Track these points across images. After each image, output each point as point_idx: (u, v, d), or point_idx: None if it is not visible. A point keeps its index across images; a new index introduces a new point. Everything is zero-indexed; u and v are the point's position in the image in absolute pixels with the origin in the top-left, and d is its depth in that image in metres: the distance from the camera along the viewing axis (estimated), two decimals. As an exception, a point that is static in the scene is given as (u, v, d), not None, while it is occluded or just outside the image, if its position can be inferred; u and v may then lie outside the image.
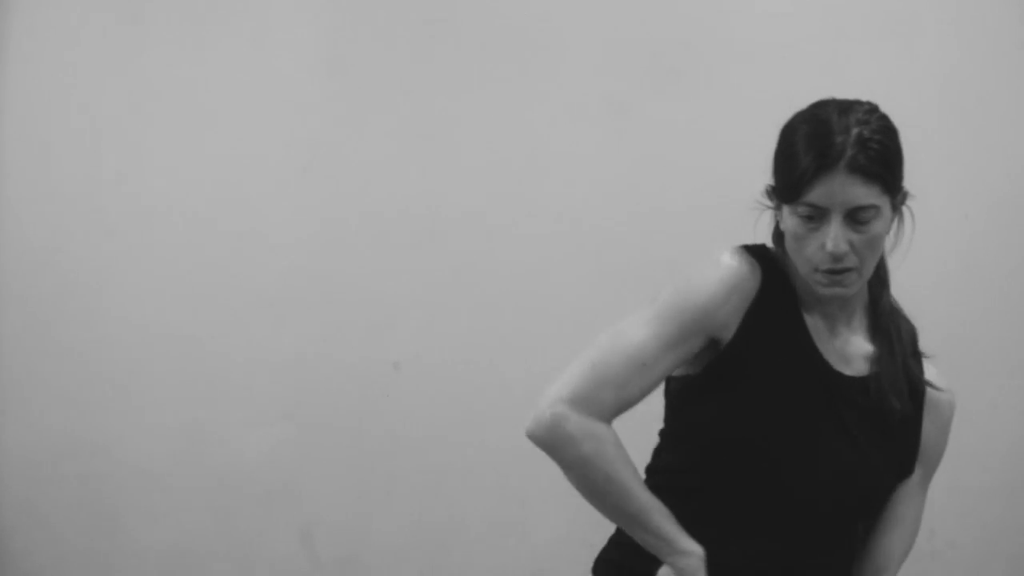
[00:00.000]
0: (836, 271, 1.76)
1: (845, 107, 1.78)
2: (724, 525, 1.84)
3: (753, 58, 3.22)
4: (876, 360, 1.90)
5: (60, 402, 3.63)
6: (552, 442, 1.90)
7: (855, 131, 1.74)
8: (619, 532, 1.97)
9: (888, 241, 1.84)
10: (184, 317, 3.56)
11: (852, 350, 1.91)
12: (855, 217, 1.74)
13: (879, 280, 1.92)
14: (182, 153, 3.57)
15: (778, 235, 1.90)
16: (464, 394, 3.41)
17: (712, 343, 1.84)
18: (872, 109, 1.80)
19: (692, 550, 1.78)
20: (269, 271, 3.52)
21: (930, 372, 1.96)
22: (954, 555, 3.31)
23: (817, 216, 1.74)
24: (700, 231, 3.11)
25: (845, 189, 1.72)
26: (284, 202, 3.52)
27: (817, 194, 1.73)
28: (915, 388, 1.93)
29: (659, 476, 1.93)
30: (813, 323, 1.88)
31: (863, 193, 1.73)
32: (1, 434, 3.65)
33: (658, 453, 1.97)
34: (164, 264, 3.57)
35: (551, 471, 3.24)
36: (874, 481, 1.88)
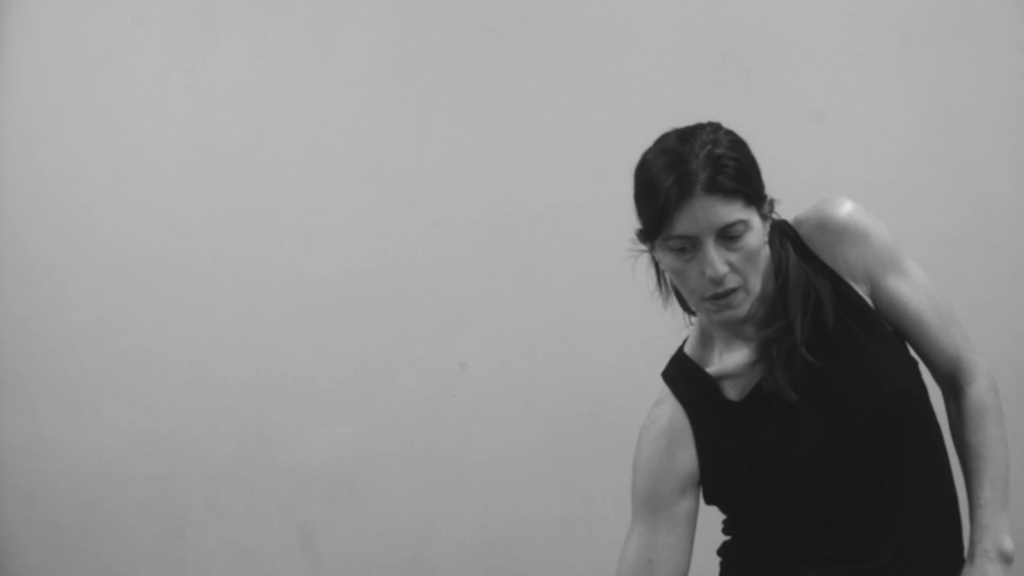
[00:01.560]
0: (721, 295, 1.77)
1: (687, 134, 1.81)
2: (814, 551, 1.85)
3: (821, 60, 3.21)
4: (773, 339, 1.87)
5: (130, 402, 3.69)
6: None
7: (703, 152, 1.75)
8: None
9: (764, 254, 1.82)
10: (252, 318, 3.60)
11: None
12: (726, 235, 1.74)
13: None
14: (249, 154, 3.61)
15: (660, 280, 1.98)
16: (530, 394, 3.40)
17: (699, 484, 1.92)
18: (715, 128, 1.83)
19: None
20: (337, 272, 3.53)
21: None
22: None
23: (689, 246, 1.76)
24: None
25: (707, 212, 1.73)
26: (351, 203, 3.53)
27: (682, 224, 1.74)
28: (836, 295, 1.88)
29: (733, 548, 1.99)
30: (735, 368, 1.90)
31: (727, 211, 1.73)
32: (73, 434, 3.72)
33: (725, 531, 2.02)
34: (233, 265, 3.61)
35: (616, 469, 3.29)
36: (875, 397, 1.82)
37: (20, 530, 3.80)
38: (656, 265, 1.94)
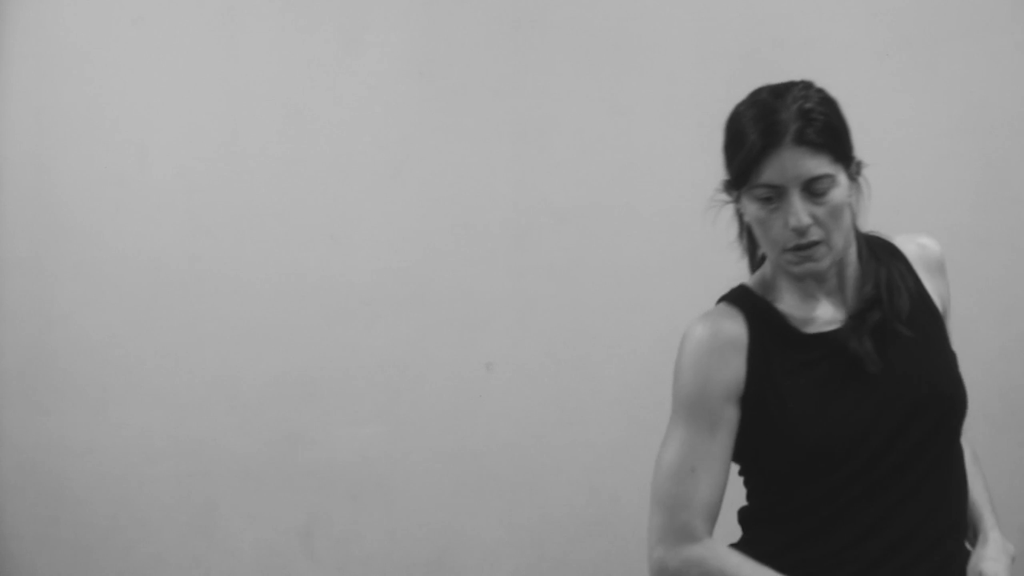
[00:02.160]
0: (803, 246, 1.81)
1: (781, 89, 1.86)
2: (842, 529, 1.85)
3: (848, 59, 3.20)
4: (869, 300, 1.90)
5: (157, 402, 3.71)
6: None
7: (795, 106, 1.80)
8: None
9: (849, 213, 1.87)
10: (278, 318, 3.61)
11: (844, 309, 1.92)
12: (811, 189, 1.79)
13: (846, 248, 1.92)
14: (276, 155, 3.62)
15: (742, 232, 2.00)
16: (556, 394, 3.39)
17: (741, 401, 1.90)
18: (808, 85, 1.88)
19: None
20: (363, 272, 3.54)
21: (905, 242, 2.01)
22: None
23: (775, 196, 1.80)
24: None
25: (796, 163, 1.78)
26: (377, 203, 3.53)
27: (769, 173, 1.79)
28: (918, 297, 1.94)
29: (762, 513, 1.97)
30: (803, 315, 1.91)
31: (814, 164, 1.78)
32: (101, 434, 3.75)
33: (749, 497, 2.01)
34: (260, 265, 3.62)
35: (643, 469, 3.29)
36: (932, 388, 1.86)
37: (48, 530, 3.83)
38: (740, 218, 1.98)
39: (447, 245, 3.48)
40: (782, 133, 1.78)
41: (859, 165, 1.89)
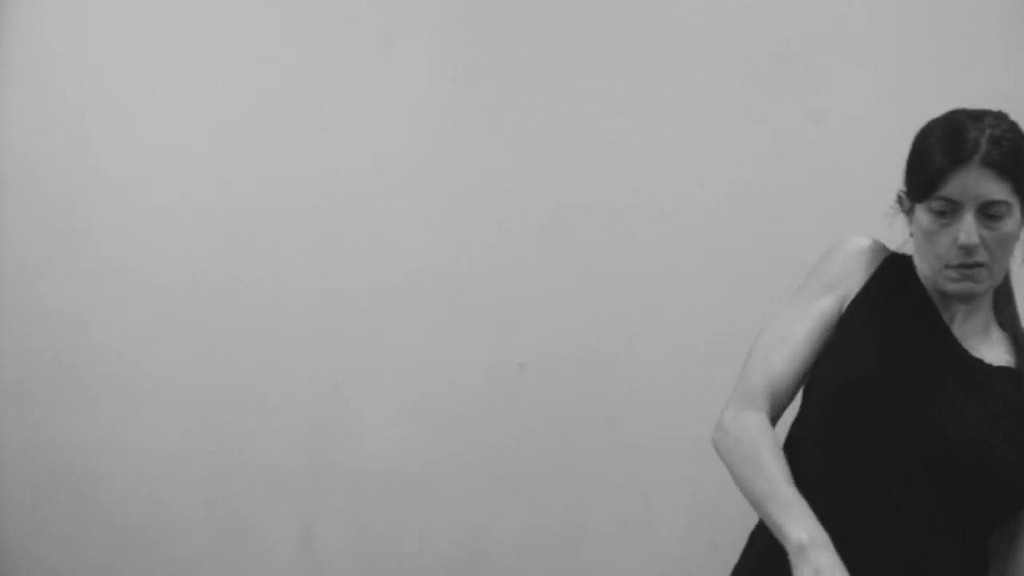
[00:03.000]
0: (967, 265, 1.84)
1: (977, 113, 1.87)
2: (838, 485, 1.87)
3: (875, 58, 3.19)
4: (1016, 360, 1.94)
5: (191, 402, 3.73)
6: (714, 441, 2.02)
7: (988, 131, 1.82)
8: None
9: (1018, 249, 1.89)
10: (310, 317, 3.62)
11: (982, 345, 1.95)
12: (987, 212, 1.82)
13: (1005, 293, 1.98)
14: (310, 156, 3.63)
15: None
16: (590, 394, 3.38)
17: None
18: (1002, 115, 1.88)
19: (800, 539, 1.74)
20: (396, 272, 3.54)
21: None
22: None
23: (950, 211, 1.82)
24: (825, 231, 3.07)
25: (979, 183, 1.80)
26: (410, 204, 3.54)
27: (951, 188, 1.81)
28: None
29: (792, 440, 2.01)
30: (942, 310, 1.94)
31: (996, 188, 1.80)
32: (135, 434, 3.78)
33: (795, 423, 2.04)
34: (292, 265, 3.64)
35: (676, 469, 3.33)
36: (1008, 462, 1.84)
37: (82, 529, 3.86)
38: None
39: (480, 245, 3.48)
40: (972, 151, 1.81)
41: None
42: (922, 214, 1.88)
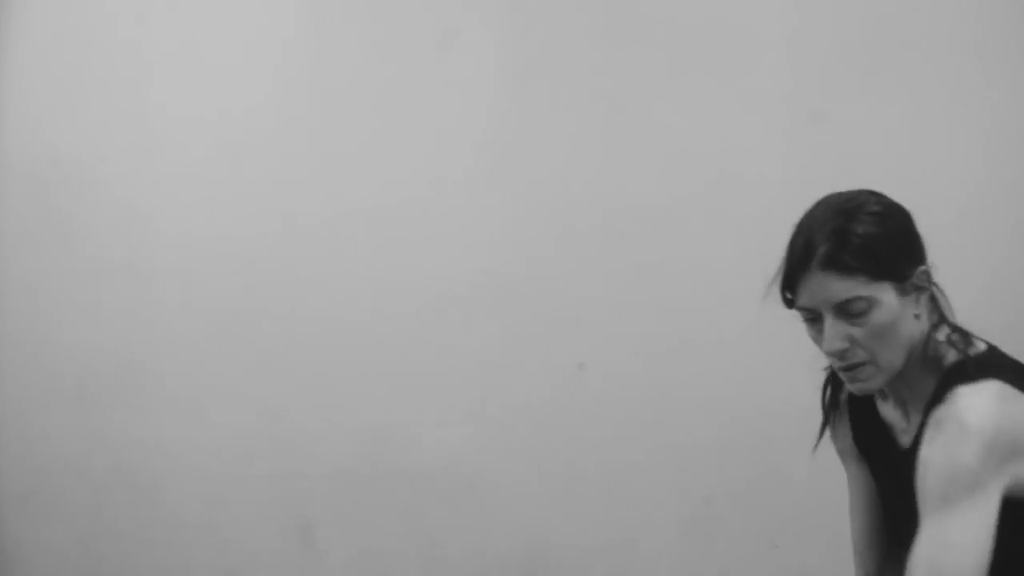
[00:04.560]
0: (847, 368, 1.77)
1: (835, 200, 1.79)
2: None
3: (944, 57, 3.16)
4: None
5: (252, 402, 3.77)
6: None
7: (831, 224, 1.74)
8: None
9: (906, 328, 1.76)
10: (373, 318, 3.65)
11: (903, 431, 1.89)
12: (845, 311, 1.73)
13: (930, 360, 1.81)
14: (369, 155, 3.66)
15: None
16: (648, 394, 3.38)
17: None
18: (869, 195, 1.79)
19: None
20: (456, 272, 3.56)
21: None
22: None
23: (815, 317, 1.77)
24: None
25: (823, 287, 1.73)
26: (471, 204, 3.55)
27: (802, 297, 1.76)
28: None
29: None
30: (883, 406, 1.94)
31: (844, 287, 1.71)
32: (197, 434, 3.83)
33: None
34: (354, 266, 3.66)
35: (735, 469, 3.34)
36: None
37: (145, 529, 3.91)
38: None
39: (540, 246, 3.49)
40: (809, 257, 1.73)
41: (925, 274, 1.78)
42: (801, 316, 1.82)
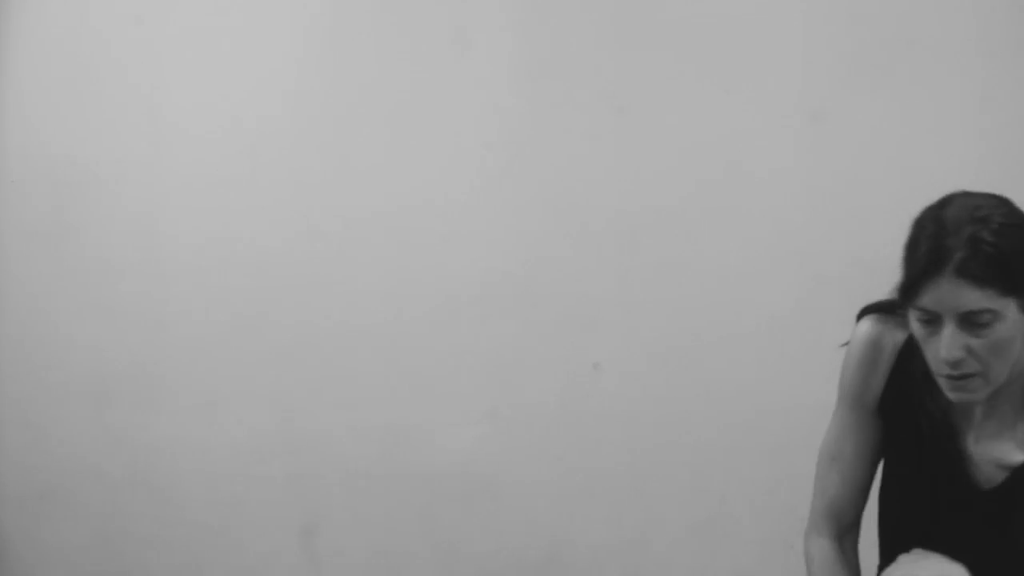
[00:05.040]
0: (955, 376, 1.76)
1: (967, 205, 1.75)
2: None
3: (958, 57, 3.14)
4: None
5: (267, 402, 3.79)
6: None
7: (967, 231, 1.70)
8: None
9: (1019, 346, 1.77)
10: (387, 319, 3.66)
11: (1005, 442, 1.87)
12: (970, 321, 1.71)
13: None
14: (385, 156, 3.66)
15: None
16: (663, 394, 3.37)
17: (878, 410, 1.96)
18: (999, 204, 1.76)
19: None
20: (470, 273, 3.56)
21: None
22: None
23: (933, 320, 1.74)
24: (903, 232, 3.10)
25: (954, 294, 1.70)
26: (485, 204, 3.55)
27: (927, 299, 1.72)
28: None
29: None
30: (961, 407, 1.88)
31: (975, 298, 1.69)
32: (211, 434, 3.85)
33: None
34: (368, 266, 3.67)
35: (751, 470, 3.34)
36: None
37: (159, 530, 3.93)
38: None
39: (555, 245, 3.49)
40: (944, 262, 1.69)
41: None
42: (912, 319, 1.80)
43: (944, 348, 1.73)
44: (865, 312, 2.00)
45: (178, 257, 3.90)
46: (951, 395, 1.79)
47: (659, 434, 3.41)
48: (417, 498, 3.66)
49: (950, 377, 1.76)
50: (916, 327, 1.78)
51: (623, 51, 3.44)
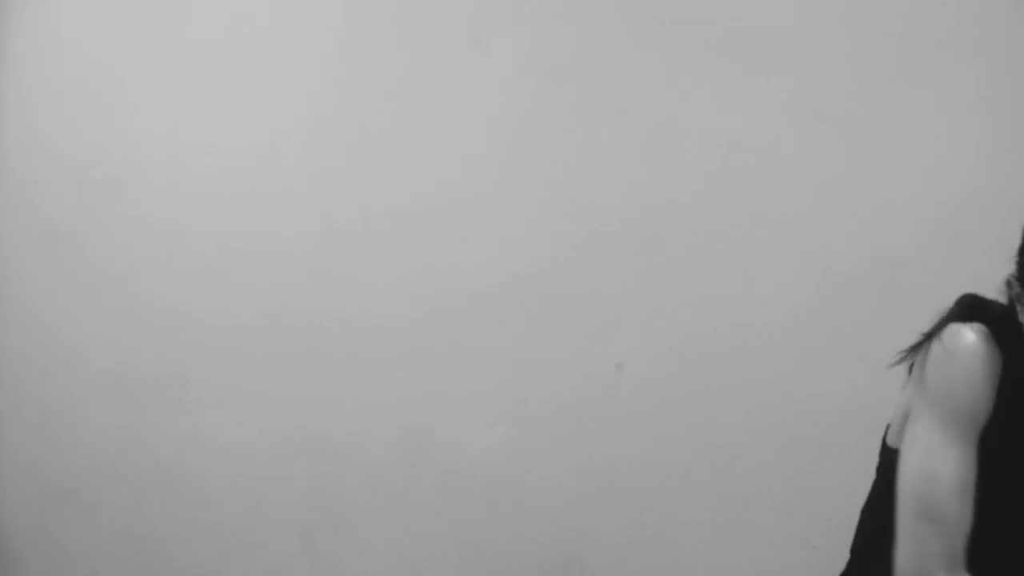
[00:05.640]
0: None
1: None
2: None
3: (976, 56, 3.13)
4: None
5: (291, 403, 3.81)
6: None
7: None
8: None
9: None
10: (409, 319, 3.67)
11: None
12: None
13: None
14: (405, 156, 3.67)
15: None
16: (686, 394, 3.38)
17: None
18: None
19: None
20: (493, 273, 3.57)
21: None
22: None
23: None
24: (924, 231, 3.11)
25: None
26: (506, 204, 3.56)
27: None
28: None
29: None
30: None
31: None
32: (234, 434, 3.87)
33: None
34: (390, 267, 3.68)
35: (773, 469, 3.35)
36: None
37: (183, 528, 3.96)
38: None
39: (577, 245, 3.50)
40: None
41: None
42: None
43: None
44: (955, 321, 1.92)
45: (199, 258, 3.92)
46: None
47: (681, 433, 3.41)
48: (438, 498, 3.67)
49: None
50: None
51: (643, 51, 3.45)
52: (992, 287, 1.95)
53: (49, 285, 4.13)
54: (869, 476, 2.10)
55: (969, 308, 1.91)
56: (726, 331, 3.37)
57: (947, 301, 1.98)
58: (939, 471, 1.81)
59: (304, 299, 3.80)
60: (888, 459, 1.98)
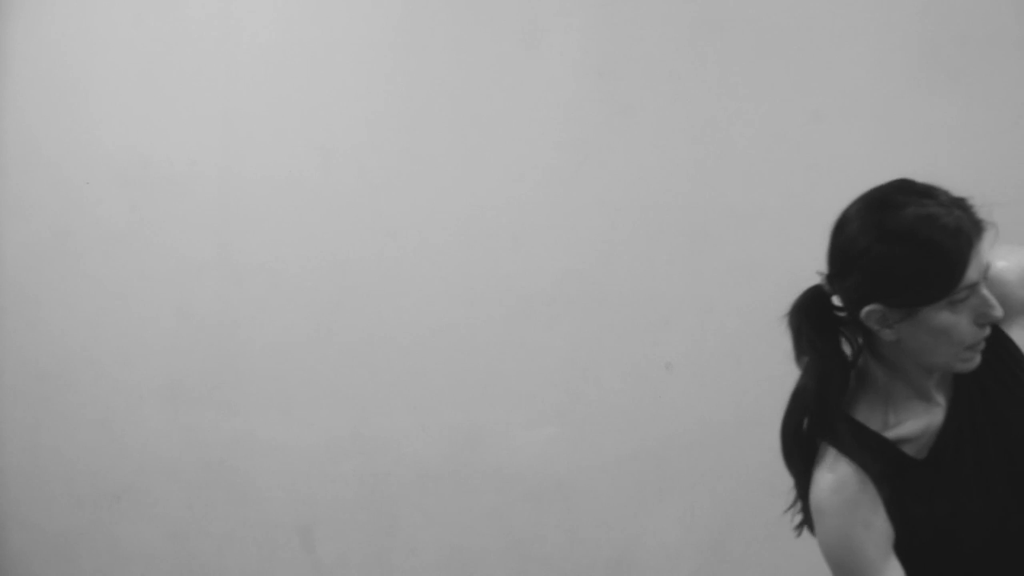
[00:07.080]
0: (980, 341, 1.78)
1: (926, 191, 1.79)
2: None
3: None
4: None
5: (341, 403, 3.84)
6: None
7: (951, 199, 1.75)
8: None
9: None
10: (460, 319, 3.69)
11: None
12: (985, 276, 1.76)
13: None
14: (456, 156, 3.69)
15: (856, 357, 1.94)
16: (736, 394, 3.40)
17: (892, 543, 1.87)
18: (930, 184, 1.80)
19: None
20: (543, 273, 3.58)
21: None
22: None
23: (967, 295, 1.73)
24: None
25: (984, 252, 1.74)
26: (557, 204, 3.57)
27: (971, 271, 1.72)
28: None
29: None
30: (912, 430, 1.88)
31: (987, 249, 1.75)
32: (287, 434, 3.90)
33: None
34: (441, 267, 3.70)
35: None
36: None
37: (235, 528, 4.00)
38: (858, 343, 1.96)
39: (627, 245, 3.51)
40: (978, 229, 1.73)
41: None
42: (937, 312, 1.75)
43: (994, 308, 1.73)
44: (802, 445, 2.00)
45: (253, 258, 3.95)
46: (970, 364, 1.80)
47: (732, 434, 3.42)
48: (490, 498, 3.69)
49: (976, 345, 1.77)
50: (945, 317, 1.75)
51: (695, 50, 3.46)
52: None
53: (103, 285, 4.16)
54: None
55: (815, 426, 1.95)
56: (776, 331, 3.29)
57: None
58: None
59: (355, 301, 3.82)
60: None
